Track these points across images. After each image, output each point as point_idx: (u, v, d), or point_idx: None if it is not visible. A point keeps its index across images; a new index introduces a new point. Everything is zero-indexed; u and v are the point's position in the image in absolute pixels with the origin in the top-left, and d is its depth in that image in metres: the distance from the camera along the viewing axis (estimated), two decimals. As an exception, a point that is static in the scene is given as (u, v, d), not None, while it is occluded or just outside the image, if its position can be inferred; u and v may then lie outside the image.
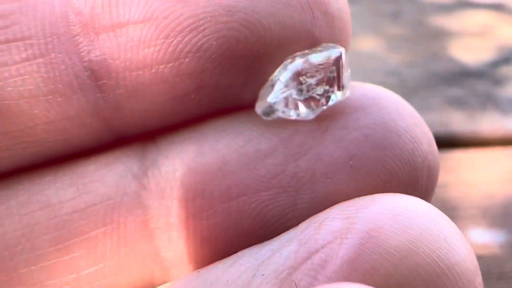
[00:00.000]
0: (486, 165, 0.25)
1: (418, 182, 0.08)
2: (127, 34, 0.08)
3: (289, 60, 0.08)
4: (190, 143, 0.08)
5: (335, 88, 0.08)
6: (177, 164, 0.08)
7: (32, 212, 0.08)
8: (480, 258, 0.20)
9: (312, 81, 0.08)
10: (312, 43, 0.08)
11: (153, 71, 0.08)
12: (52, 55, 0.07)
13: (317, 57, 0.08)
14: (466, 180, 0.24)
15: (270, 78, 0.08)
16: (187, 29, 0.07)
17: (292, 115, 0.08)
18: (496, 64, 0.34)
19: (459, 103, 0.30)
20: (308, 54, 0.08)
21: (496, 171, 0.24)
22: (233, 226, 0.08)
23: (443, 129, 0.27)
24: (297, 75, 0.08)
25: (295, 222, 0.08)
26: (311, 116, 0.08)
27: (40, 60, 0.07)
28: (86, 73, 0.08)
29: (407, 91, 0.31)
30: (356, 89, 0.09)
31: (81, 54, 0.07)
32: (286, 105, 0.08)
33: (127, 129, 0.08)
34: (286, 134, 0.08)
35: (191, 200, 0.08)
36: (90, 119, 0.08)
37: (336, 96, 0.08)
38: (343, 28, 0.08)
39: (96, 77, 0.08)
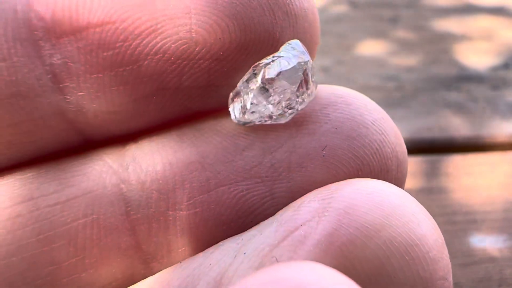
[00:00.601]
0: (486, 170, 0.24)
1: (388, 171, 0.09)
2: (87, 37, 0.07)
3: (254, 69, 0.08)
4: (170, 140, 0.08)
5: (304, 93, 0.08)
6: (157, 159, 0.08)
7: (14, 205, 0.08)
8: (480, 263, 0.20)
9: (281, 89, 0.08)
10: (274, 44, 0.08)
11: (113, 73, 0.08)
12: (15, 59, 0.07)
13: (286, 64, 0.08)
14: (465, 185, 0.24)
15: (238, 84, 0.08)
16: (145, 32, 0.07)
17: (267, 121, 0.08)
18: (495, 68, 0.34)
19: (458, 108, 0.29)
20: (272, 61, 0.08)
21: (496, 176, 0.24)
22: (213, 216, 0.08)
23: (442, 134, 0.27)
24: (265, 86, 0.08)
25: (273, 210, 0.08)
26: (284, 120, 0.08)
27: (3, 64, 0.07)
28: (48, 76, 0.08)
29: (406, 95, 0.31)
30: (324, 89, 0.09)
31: (43, 58, 0.08)
32: (261, 117, 0.08)
33: (94, 131, 0.09)
34: (262, 131, 0.08)
35: (171, 192, 0.08)
36: (54, 121, 0.08)
37: (305, 100, 0.09)
38: (308, 27, 0.08)
39: (58, 80, 0.08)
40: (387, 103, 0.30)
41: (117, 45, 0.07)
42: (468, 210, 0.22)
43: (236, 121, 0.08)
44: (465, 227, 0.21)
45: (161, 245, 0.09)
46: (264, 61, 0.08)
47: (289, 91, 0.08)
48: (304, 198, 0.08)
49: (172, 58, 0.08)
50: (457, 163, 0.25)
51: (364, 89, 0.31)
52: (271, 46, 0.08)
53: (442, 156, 0.25)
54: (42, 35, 0.07)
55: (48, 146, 0.08)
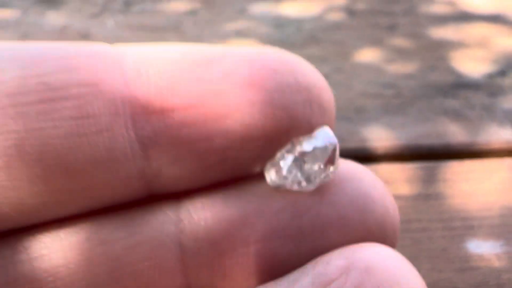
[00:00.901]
0: (483, 176, 0.25)
1: (386, 237, 0.11)
2: (173, 117, 0.10)
3: (291, 145, 0.10)
4: (217, 198, 0.10)
5: (329, 167, 0.10)
6: (208, 215, 0.10)
7: (91, 246, 0.10)
8: (477, 269, 0.20)
9: (313, 163, 0.10)
10: (310, 129, 0.10)
11: (190, 146, 0.10)
12: (115, 129, 0.09)
13: (316, 145, 0.10)
14: (462, 190, 0.24)
15: (278, 154, 0.10)
16: (220, 116, 0.10)
17: (296, 188, 0.10)
18: (492, 75, 0.34)
19: (455, 115, 0.30)
20: (307, 139, 0.10)
21: (493, 182, 0.24)
22: (251, 265, 0.10)
23: (440, 140, 0.27)
24: (299, 159, 0.10)
25: (298, 264, 0.10)
26: (311, 188, 0.10)
27: (106, 134, 0.09)
28: (138, 145, 0.10)
29: (404, 102, 0.31)
30: (342, 164, 0.11)
31: (137, 130, 0.10)
32: (292, 183, 0.10)
33: (161, 189, 0.11)
34: (292, 197, 0.10)
35: (218, 243, 0.10)
36: (133, 181, 0.10)
37: (330, 173, 0.10)
38: (331, 116, 0.11)
39: (145, 148, 0.10)
40: (385, 110, 0.30)
41: (197, 125, 0.10)
42: (465, 216, 0.22)
43: (271, 184, 0.10)
44: (462, 232, 0.22)
45: (208, 286, 0.10)
46: (301, 138, 0.10)
47: (317, 165, 0.10)
48: (330, 255, 0.10)
49: (237, 138, 0.10)
50: (454, 169, 0.25)
51: (362, 96, 0.31)
52: (308, 130, 0.10)
53: (439, 162, 0.26)
54: (139, 111, 0.09)
55: (121, 198, 0.10)
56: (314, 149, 0.10)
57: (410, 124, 0.29)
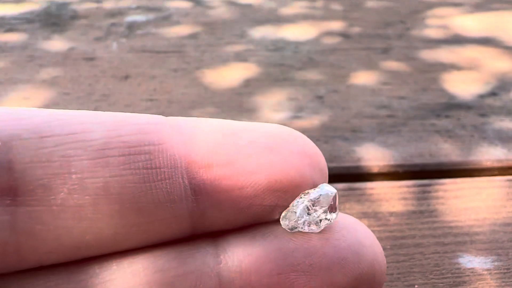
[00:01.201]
0: (474, 194, 0.26)
1: (375, 276, 0.13)
2: (216, 171, 0.13)
3: (302, 196, 0.13)
4: (246, 239, 0.13)
5: (333, 213, 0.13)
6: (240, 252, 0.13)
7: (150, 274, 0.12)
8: (469, 283, 0.21)
9: (319, 210, 0.13)
10: (313, 185, 0.13)
11: (227, 194, 0.13)
12: (174, 178, 0.12)
13: (321, 194, 0.13)
14: (455, 208, 0.25)
15: (291, 204, 0.13)
16: (250, 172, 0.13)
17: (306, 230, 0.13)
18: (483, 96, 0.36)
19: (448, 134, 0.31)
20: (314, 192, 0.13)
21: (483, 200, 0.25)
22: None
23: (433, 159, 0.28)
24: (310, 206, 0.13)
25: None
26: (318, 230, 0.13)
27: (167, 181, 0.12)
28: (190, 191, 0.12)
29: (398, 122, 0.32)
30: (340, 216, 0.14)
31: (190, 179, 0.12)
32: (303, 225, 0.13)
33: (204, 228, 0.13)
34: (304, 239, 0.13)
35: (248, 276, 0.13)
36: (183, 220, 0.13)
37: (333, 218, 0.13)
38: (327, 176, 0.14)
39: (195, 193, 0.12)
40: (380, 130, 0.31)
41: (232, 178, 0.13)
42: (457, 232, 0.23)
43: (286, 228, 0.13)
44: (454, 248, 0.22)
45: None
46: (309, 190, 0.13)
47: (323, 210, 0.13)
48: None
49: (262, 189, 0.13)
50: (446, 187, 0.26)
51: (358, 117, 0.32)
52: (312, 186, 0.13)
53: (432, 180, 0.27)
54: (192, 165, 0.12)
55: (174, 234, 0.13)
56: (320, 196, 0.13)
57: (404, 143, 0.30)
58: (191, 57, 0.42)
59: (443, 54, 0.43)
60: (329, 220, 0.13)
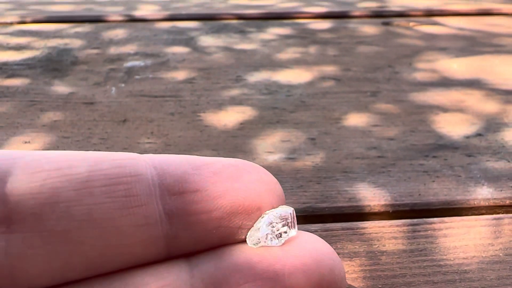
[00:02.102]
0: (462, 233, 0.26)
1: (336, 280, 0.15)
2: (186, 197, 0.14)
3: (263, 216, 0.15)
4: (217, 254, 0.15)
5: (292, 228, 0.15)
6: (211, 265, 0.15)
7: None
8: (460, 322, 0.21)
9: (279, 226, 0.15)
10: (272, 207, 0.16)
11: (197, 217, 0.14)
12: (150, 204, 0.14)
13: (280, 213, 0.15)
14: (443, 247, 0.25)
15: (254, 224, 0.15)
16: (217, 197, 0.15)
17: (269, 244, 0.15)
18: (469, 137, 0.37)
19: (435, 175, 0.32)
20: (273, 211, 0.15)
21: (471, 238, 0.26)
22: None
23: (422, 199, 0.29)
24: (271, 223, 0.15)
25: None
26: (280, 243, 0.15)
27: (144, 207, 0.14)
28: (164, 215, 0.14)
29: (388, 163, 0.33)
30: (300, 232, 0.16)
31: (163, 205, 0.14)
32: (266, 239, 0.15)
33: (176, 250, 0.15)
34: (268, 251, 0.15)
35: (220, 284, 0.14)
36: (161, 241, 0.14)
37: (292, 233, 0.15)
38: (283, 199, 0.16)
39: (169, 217, 0.14)
40: (370, 171, 0.32)
41: (201, 203, 0.15)
42: (447, 271, 0.24)
43: (251, 244, 0.15)
44: (444, 287, 0.23)
45: None
46: (269, 211, 0.15)
47: (282, 225, 0.15)
48: None
49: (227, 212, 0.15)
50: (435, 226, 0.27)
51: (348, 158, 0.34)
52: (271, 208, 0.16)
53: (422, 220, 0.27)
54: (164, 193, 0.14)
55: (149, 257, 0.15)
56: (279, 214, 0.15)
57: (393, 183, 0.31)
58: (188, 101, 0.43)
59: (430, 97, 0.44)
60: (288, 234, 0.15)
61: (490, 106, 0.42)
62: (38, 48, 0.57)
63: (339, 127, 0.38)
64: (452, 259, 0.24)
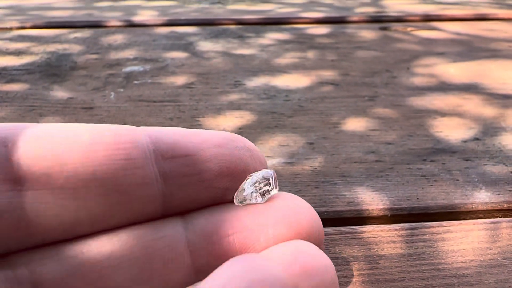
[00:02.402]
0: (460, 236, 0.26)
1: (314, 231, 0.16)
2: (178, 160, 0.16)
3: (249, 177, 0.17)
4: (209, 211, 0.17)
5: (273, 187, 0.17)
6: (203, 220, 0.16)
7: (131, 240, 0.16)
8: (459, 326, 0.21)
9: (262, 185, 0.16)
10: (255, 170, 0.17)
11: (189, 178, 0.16)
12: (146, 167, 0.16)
13: (263, 175, 0.17)
14: (441, 250, 0.25)
15: (241, 185, 0.17)
16: (206, 161, 0.16)
17: (254, 202, 0.17)
18: (466, 141, 0.37)
19: (433, 179, 0.32)
20: (257, 173, 0.17)
21: (469, 242, 0.26)
22: (235, 248, 0.16)
23: (420, 203, 0.29)
24: (255, 183, 0.16)
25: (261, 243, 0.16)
26: (264, 201, 0.17)
27: (141, 169, 0.15)
28: (160, 176, 0.16)
29: (386, 167, 0.33)
30: (281, 192, 0.17)
31: (158, 167, 0.16)
32: (251, 197, 0.17)
33: (172, 208, 0.16)
34: (253, 207, 0.16)
35: (212, 235, 0.16)
36: (158, 200, 0.16)
37: (274, 191, 0.17)
38: (265, 163, 0.18)
39: (164, 178, 0.16)
40: (368, 175, 0.32)
41: (191, 165, 0.16)
42: (445, 275, 0.24)
43: (238, 202, 0.17)
44: (443, 290, 0.23)
45: (207, 263, 0.16)
46: (253, 173, 0.17)
47: (265, 185, 0.16)
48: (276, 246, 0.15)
49: (216, 174, 0.16)
50: (433, 230, 0.27)
51: (347, 162, 0.34)
52: (255, 171, 0.17)
53: (420, 224, 0.27)
54: (159, 157, 0.16)
55: (147, 214, 0.16)
56: (262, 175, 0.17)
57: (391, 187, 0.31)
58: (186, 106, 0.43)
59: (428, 101, 0.45)
60: (271, 192, 0.17)
61: (488, 111, 0.42)
62: (37, 53, 0.58)
63: (337, 132, 0.38)
64: (450, 263, 0.24)
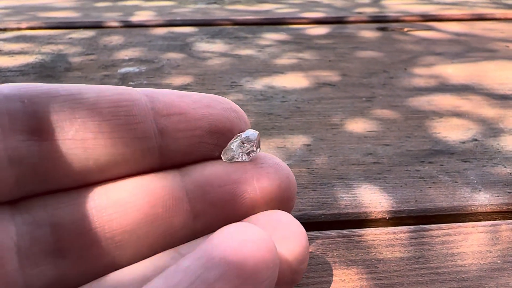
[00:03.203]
0: (459, 239, 0.26)
1: (291, 189, 0.20)
2: (173, 118, 0.18)
3: (236, 137, 0.19)
4: (202, 166, 0.19)
5: (257, 147, 0.19)
6: (198, 172, 0.19)
7: (137, 187, 0.18)
8: (459, 331, 0.21)
9: (249, 145, 0.19)
10: (242, 131, 0.20)
11: (182, 133, 0.18)
12: (146, 122, 0.18)
13: (248, 135, 0.19)
14: (440, 254, 0.25)
15: (228, 144, 0.19)
16: (198, 120, 0.19)
17: (240, 159, 0.19)
18: (464, 142, 0.37)
19: (432, 181, 0.32)
20: (242, 134, 0.19)
21: (469, 245, 0.25)
22: (225, 201, 0.19)
23: (418, 206, 0.29)
24: (242, 143, 0.19)
25: (246, 199, 0.19)
26: (249, 159, 0.19)
27: (141, 124, 0.17)
28: (157, 130, 0.18)
29: (383, 169, 0.33)
30: (262, 153, 0.20)
31: (156, 123, 0.18)
32: (238, 156, 0.19)
33: (169, 160, 0.19)
34: (240, 164, 0.19)
35: (205, 185, 0.19)
36: (156, 151, 0.18)
37: (257, 151, 0.19)
38: (249, 125, 0.20)
39: (161, 132, 0.18)
40: (366, 177, 0.32)
41: (185, 122, 0.18)
42: (444, 279, 0.23)
43: (226, 159, 0.19)
44: (442, 295, 0.22)
45: (202, 212, 0.19)
46: (239, 134, 0.19)
47: (250, 145, 0.19)
48: (255, 216, 0.18)
49: (207, 131, 0.19)
50: (432, 233, 0.26)
51: (344, 164, 0.33)
52: (240, 131, 0.20)
53: (418, 226, 0.27)
54: (156, 114, 0.18)
55: (147, 165, 0.18)
56: (247, 136, 0.19)
57: (389, 190, 0.30)
58: (182, 107, 0.43)
59: (426, 102, 0.44)
60: (255, 152, 0.19)
61: (486, 111, 0.42)
62: (32, 54, 0.57)
63: (334, 133, 0.38)
64: (450, 266, 0.24)
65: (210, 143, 0.19)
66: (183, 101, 0.18)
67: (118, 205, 0.17)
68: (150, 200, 0.17)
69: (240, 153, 0.19)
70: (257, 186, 0.18)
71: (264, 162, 0.19)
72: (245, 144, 0.18)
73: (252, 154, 0.19)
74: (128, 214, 0.17)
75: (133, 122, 0.17)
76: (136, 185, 0.17)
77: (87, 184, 0.17)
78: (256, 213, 0.18)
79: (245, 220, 0.18)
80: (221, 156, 0.19)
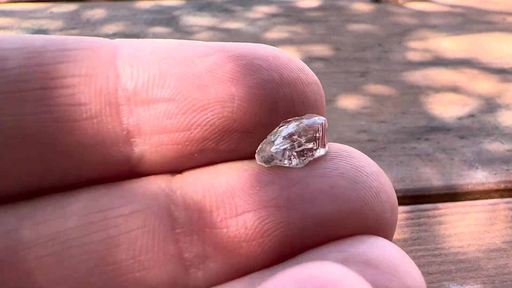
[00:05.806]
0: (456, 219, 0.25)
1: (384, 212, 0.11)
2: (157, 108, 0.11)
3: (284, 124, 0.11)
4: (208, 174, 0.11)
5: (320, 145, 0.11)
6: (199, 188, 0.11)
7: (88, 214, 0.11)
8: (456, 314, 0.20)
9: (303, 140, 0.11)
10: (296, 113, 0.11)
11: (171, 136, 0.11)
12: (103, 117, 0.11)
13: (306, 122, 0.11)
14: (438, 234, 0.24)
15: (269, 135, 0.11)
16: (199, 109, 0.11)
17: (286, 163, 0.10)
18: (461, 118, 0.36)
19: (428, 158, 0.31)
20: (296, 119, 0.11)
21: (466, 225, 0.25)
22: (241, 234, 0.11)
23: (414, 185, 0.28)
24: (291, 135, 0.11)
25: (287, 234, 0.11)
26: (301, 165, 0.11)
27: (95, 119, 0.11)
28: (124, 132, 0.11)
29: (378, 147, 0.32)
30: (333, 145, 0.11)
31: (123, 118, 0.11)
32: (283, 156, 0.10)
33: (146, 173, 0.12)
34: (282, 171, 0.11)
35: (208, 213, 0.11)
36: (120, 165, 0.11)
37: (320, 151, 0.11)
38: (318, 109, 0.11)
39: (130, 136, 0.11)
40: (360, 156, 0.31)
41: (178, 116, 0.11)
42: (442, 261, 0.22)
43: (261, 160, 0.11)
44: (440, 277, 0.22)
45: (198, 254, 0.11)
46: (291, 119, 0.11)
47: (308, 140, 0.11)
48: (327, 248, 0.10)
49: (216, 130, 0.11)
50: (429, 213, 0.25)
51: (338, 142, 0.32)
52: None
53: (415, 206, 0.26)
54: (125, 102, 0.11)
55: (110, 177, 0.11)
56: (304, 124, 0.11)
57: (385, 168, 0.29)
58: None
59: (421, 76, 0.43)
60: (314, 153, 0.10)
61: (483, 86, 0.41)
62: (12, 30, 0.54)
63: (328, 110, 0.37)
64: (447, 248, 0.23)
65: (223, 150, 0.12)
66: (184, 70, 0.12)
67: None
68: (110, 233, 0.12)
69: (287, 153, 0.11)
70: (307, 212, 0.11)
71: (333, 165, 0.11)
72: (298, 138, 0.11)
73: (309, 157, 0.11)
74: None
75: (78, 118, 0.12)
76: (87, 205, 0.12)
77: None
78: None
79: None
80: (255, 154, 0.11)
